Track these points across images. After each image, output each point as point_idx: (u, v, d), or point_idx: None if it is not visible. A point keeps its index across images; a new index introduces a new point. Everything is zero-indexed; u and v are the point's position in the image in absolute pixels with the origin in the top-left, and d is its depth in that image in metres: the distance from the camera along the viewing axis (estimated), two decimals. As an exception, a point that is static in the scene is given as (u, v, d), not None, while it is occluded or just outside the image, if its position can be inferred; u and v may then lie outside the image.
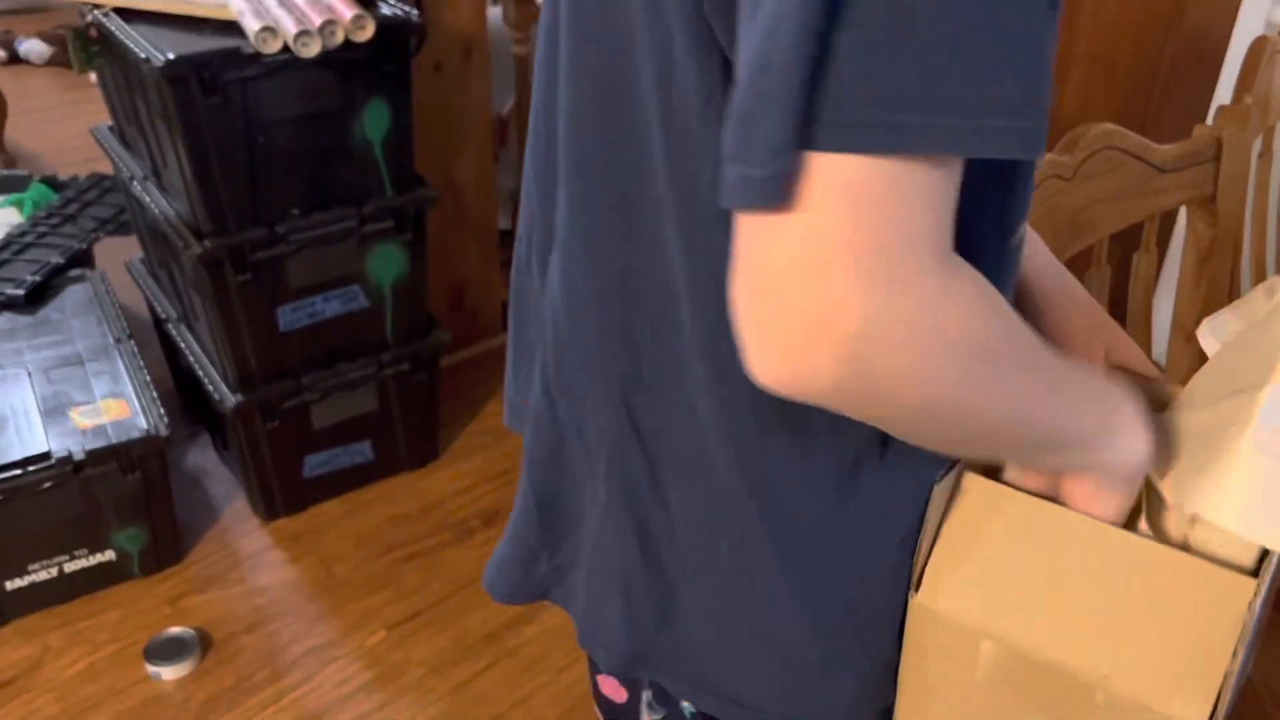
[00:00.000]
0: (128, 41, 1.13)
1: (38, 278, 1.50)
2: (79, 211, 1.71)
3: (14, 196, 1.79)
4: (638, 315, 0.45)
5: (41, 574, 1.28)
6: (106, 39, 1.22)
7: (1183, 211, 1.03)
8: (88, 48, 1.24)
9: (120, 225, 1.69)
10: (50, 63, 2.97)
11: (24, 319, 1.45)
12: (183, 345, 1.42)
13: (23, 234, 1.62)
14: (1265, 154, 0.99)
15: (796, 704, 0.48)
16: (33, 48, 2.99)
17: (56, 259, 1.55)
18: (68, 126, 2.55)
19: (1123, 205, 0.79)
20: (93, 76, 2.91)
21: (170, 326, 1.46)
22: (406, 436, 1.49)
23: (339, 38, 1.13)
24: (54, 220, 1.68)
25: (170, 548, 1.37)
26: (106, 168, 1.59)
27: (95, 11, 1.23)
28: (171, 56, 1.07)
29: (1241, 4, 1.43)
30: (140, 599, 1.33)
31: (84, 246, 1.61)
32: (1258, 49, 0.97)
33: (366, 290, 1.34)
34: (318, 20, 1.11)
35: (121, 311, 1.48)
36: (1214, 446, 0.40)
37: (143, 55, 1.09)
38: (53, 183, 1.85)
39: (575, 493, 0.52)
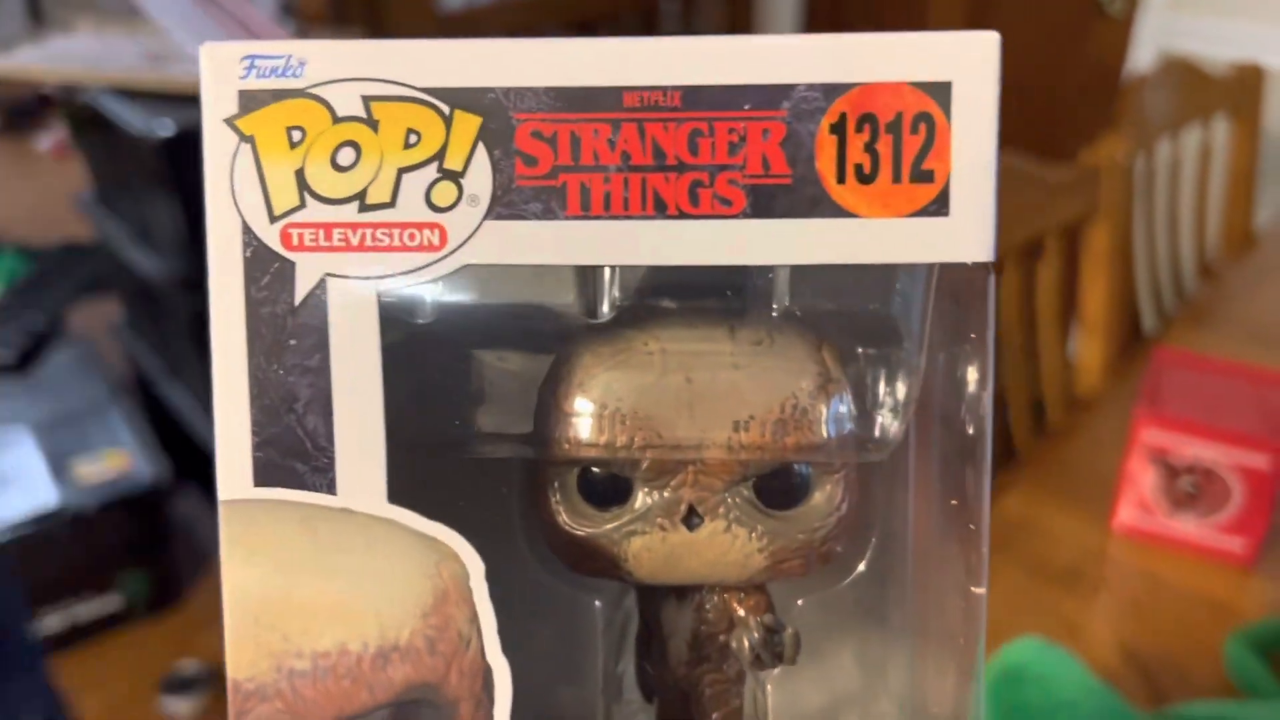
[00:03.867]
0: (120, 116, 1.23)
1: (27, 341, 1.57)
2: (56, 277, 1.79)
3: (-14, 265, 1.86)
4: None
5: (51, 620, 1.35)
6: (97, 114, 1.31)
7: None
8: (81, 123, 1.33)
9: (96, 289, 1.77)
10: (-7, 133, 3.01)
11: (16, 381, 1.52)
12: (172, 399, 1.50)
13: (3, 302, 1.69)
14: (1148, 172, 1.14)
15: None
16: (-25, 119, 3.02)
17: (41, 323, 1.62)
18: (21, 196, 2.61)
19: (1024, 221, 0.93)
20: (43, 145, 2.95)
21: (158, 382, 1.54)
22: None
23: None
24: (33, 287, 1.75)
25: (172, 589, 1.44)
26: (69, 234, 1.67)
27: (89, 91, 1.33)
28: (171, 133, 1.17)
29: (1133, 37, 1.60)
30: (147, 639, 1.40)
31: (65, 310, 1.69)
32: (1136, 84, 1.12)
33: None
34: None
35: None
36: None
37: (140, 130, 1.19)
38: (26, 251, 1.91)
39: None
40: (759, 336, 0.24)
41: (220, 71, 0.22)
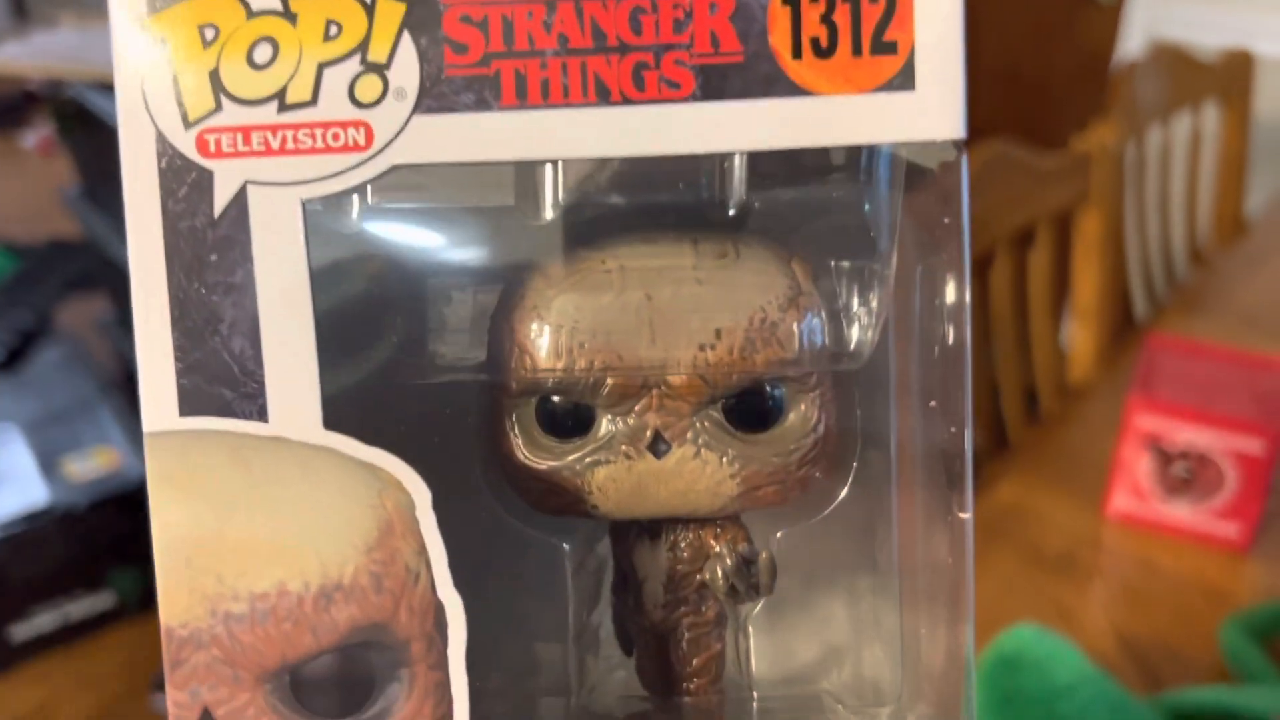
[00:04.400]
0: (105, 110, 1.22)
1: (15, 339, 1.56)
2: (43, 274, 1.77)
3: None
4: None
5: (43, 619, 1.34)
6: (82, 109, 1.30)
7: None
8: (67, 118, 1.32)
9: (84, 285, 1.75)
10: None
11: (5, 379, 1.51)
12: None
13: (-9, 300, 1.68)
14: (1139, 159, 1.13)
15: None
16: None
17: (29, 321, 1.61)
18: (7, 193, 2.60)
19: (1014, 209, 0.92)
20: (28, 142, 2.94)
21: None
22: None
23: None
24: (20, 284, 1.74)
25: (160, 588, 1.43)
26: (56, 231, 1.66)
27: (74, 86, 1.32)
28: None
29: (1121, 23, 1.60)
30: (139, 636, 1.39)
31: (53, 307, 1.68)
32: (1127, 71, 1.12)
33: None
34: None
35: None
36: None
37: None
38: (13, 248, 1.90)
39: None
40: (724, 249, 0.23)
41: None
